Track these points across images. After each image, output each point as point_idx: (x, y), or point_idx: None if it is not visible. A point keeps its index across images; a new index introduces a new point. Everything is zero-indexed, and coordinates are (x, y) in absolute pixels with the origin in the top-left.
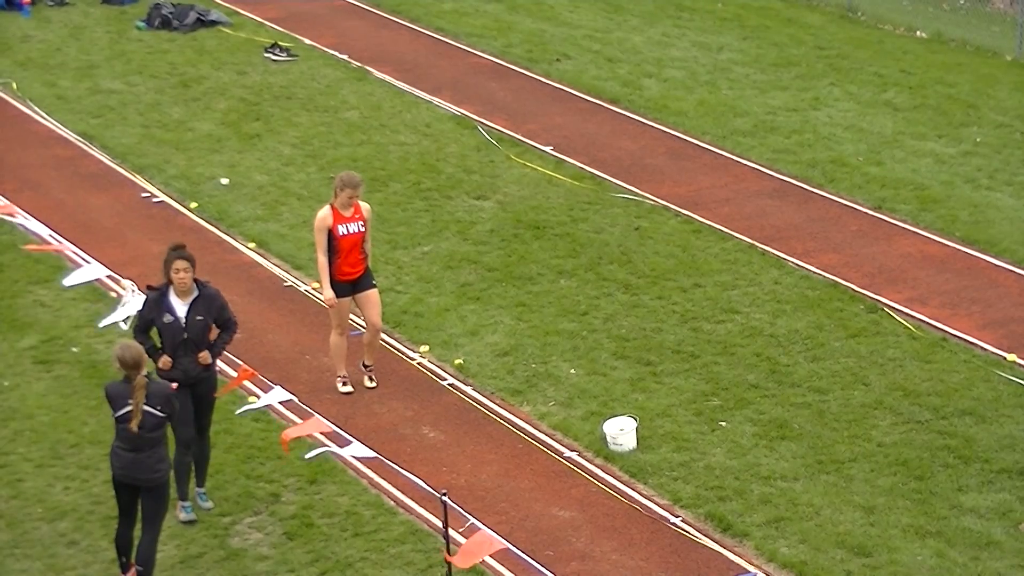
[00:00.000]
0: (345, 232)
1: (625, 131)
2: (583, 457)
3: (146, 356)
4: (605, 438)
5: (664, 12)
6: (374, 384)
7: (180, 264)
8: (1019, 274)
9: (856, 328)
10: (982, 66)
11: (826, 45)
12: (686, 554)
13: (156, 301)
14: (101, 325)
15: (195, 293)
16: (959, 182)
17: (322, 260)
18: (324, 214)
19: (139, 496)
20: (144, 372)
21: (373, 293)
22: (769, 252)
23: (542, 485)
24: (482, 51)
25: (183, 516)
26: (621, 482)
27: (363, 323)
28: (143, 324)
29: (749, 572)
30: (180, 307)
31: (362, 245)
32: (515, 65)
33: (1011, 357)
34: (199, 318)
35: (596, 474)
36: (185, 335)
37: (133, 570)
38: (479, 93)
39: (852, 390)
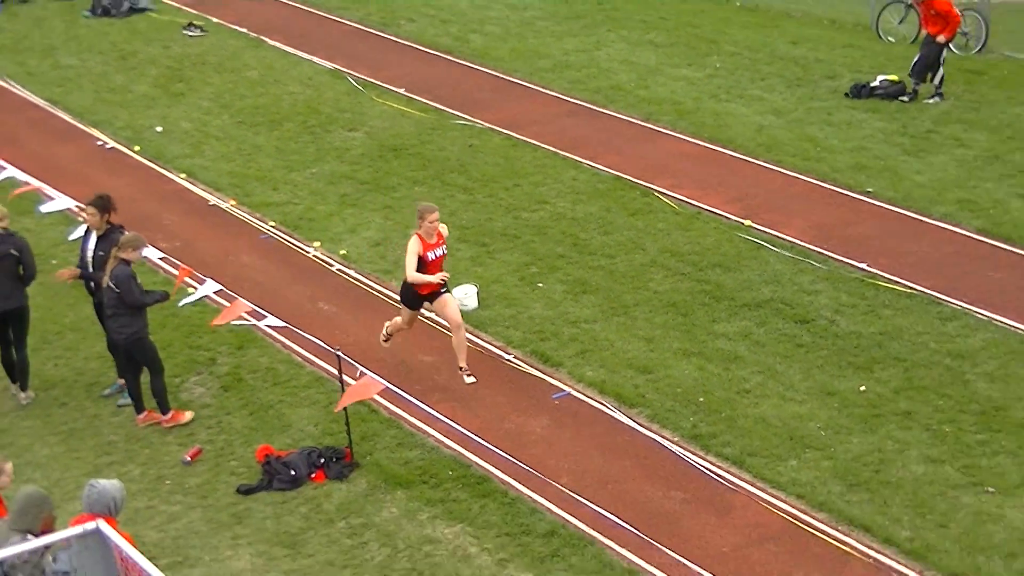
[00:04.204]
0: (433, 257)
1: (458, 74)
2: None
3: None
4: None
5: None
6: (473, 380)
7: (88, 208)
8: (750, 162)
9: (634, 208)
10: (719, 11)
11: (604, 1)
12: (518, 381)
13: (84, 233)
14: (71, 238)
15: (103, 232)
16: (705, 98)
17: (416, 273)
18: (415, 247)
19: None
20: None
21: (447, 296)
22: (568, 157)
23: (409, 338)
24: (348, 20)
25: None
26: (468, 332)
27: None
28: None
29: (564, 391)
30: (92, 241)
31: (442, 264)
32: (373, 29)
33: (747, 222)
34: (100, 253)
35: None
36: (91, 266)
37: (145, 414)
38: (347, 51)
39: (634, 254)
